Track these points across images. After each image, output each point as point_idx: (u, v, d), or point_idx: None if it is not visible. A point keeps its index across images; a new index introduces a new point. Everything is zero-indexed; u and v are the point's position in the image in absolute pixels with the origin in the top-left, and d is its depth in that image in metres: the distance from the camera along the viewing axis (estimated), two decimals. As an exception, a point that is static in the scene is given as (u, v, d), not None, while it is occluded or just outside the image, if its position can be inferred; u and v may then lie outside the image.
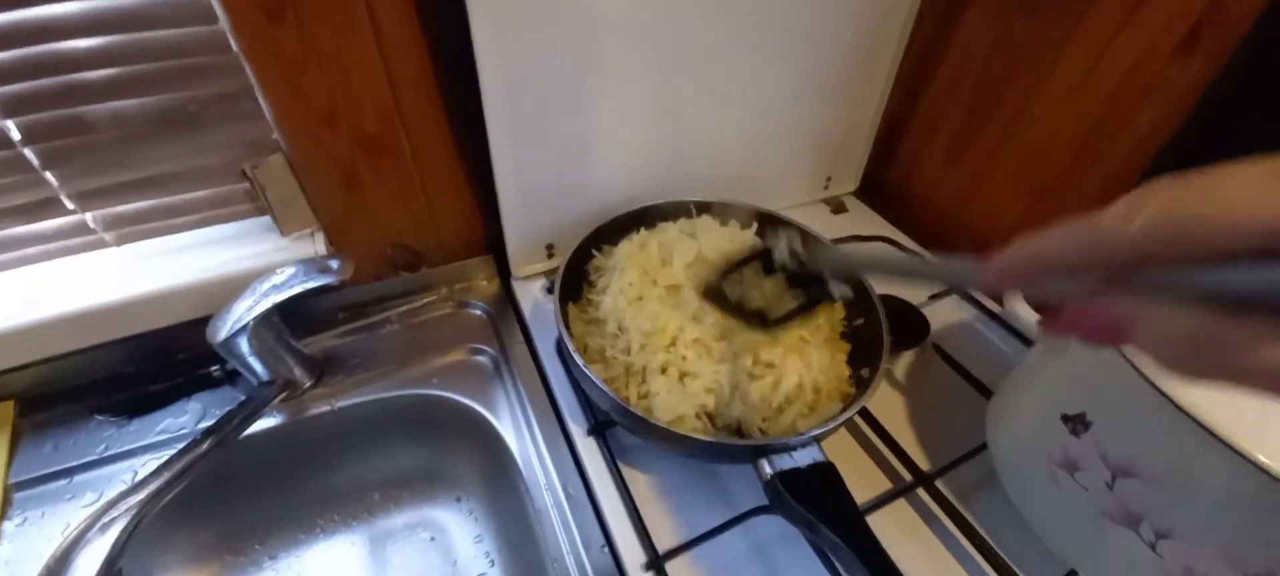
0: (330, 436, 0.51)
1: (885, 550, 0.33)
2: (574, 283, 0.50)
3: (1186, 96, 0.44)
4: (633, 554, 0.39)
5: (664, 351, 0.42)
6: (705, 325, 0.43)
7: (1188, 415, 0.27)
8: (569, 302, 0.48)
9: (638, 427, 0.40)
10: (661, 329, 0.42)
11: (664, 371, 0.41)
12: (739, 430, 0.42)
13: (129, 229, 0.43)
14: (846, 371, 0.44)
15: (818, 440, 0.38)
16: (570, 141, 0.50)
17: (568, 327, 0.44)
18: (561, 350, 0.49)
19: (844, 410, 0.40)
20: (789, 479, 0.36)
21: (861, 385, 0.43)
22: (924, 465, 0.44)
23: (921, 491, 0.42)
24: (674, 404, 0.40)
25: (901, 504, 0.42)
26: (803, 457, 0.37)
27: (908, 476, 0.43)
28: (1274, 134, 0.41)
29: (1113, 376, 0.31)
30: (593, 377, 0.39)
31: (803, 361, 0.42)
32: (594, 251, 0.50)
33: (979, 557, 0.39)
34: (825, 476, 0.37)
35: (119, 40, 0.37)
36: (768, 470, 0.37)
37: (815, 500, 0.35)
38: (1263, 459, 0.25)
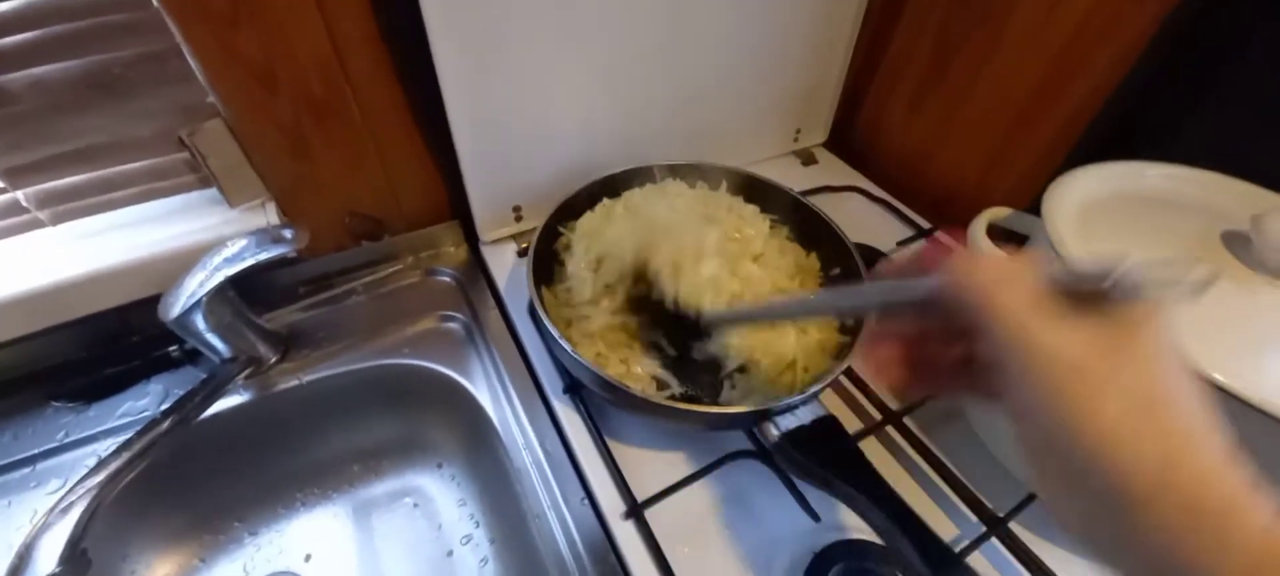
0: (302, 411, 0.50)
1: (901, 497, 0.33)
2: (545, 265, 0.47)
3: (1143, 36, 0.44)
4: (612, 503, 0.39)
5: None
6: None
7: None
8: (543, 287, 0.45)
9: (646, 410, 0.39)
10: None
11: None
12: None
13: (65, 206, 0.41)
14: (834, 322, 0.45)
15: (816, 396, 0.38)
16: (531, 98, 0.48)
17: (547, 313, 0.40)
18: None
19: (838, 362, 0.39)
20: (796, 437, 0.37)
21: (846, 332, 0.43)
22: (893, 404, 0.45)
23: (890, 428, 0.44)
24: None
25: (871, 441, 0.43)
26: (805, 414, 0.38)
27: (877, 415, 0.44)
28: (1229, 71, 0.41)
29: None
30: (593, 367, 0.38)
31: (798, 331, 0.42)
32: (561, 229, 0.48)
33: (945, 487, 0.41)
34: (829, 429, 0.38)
35: (31, 2, 0.34)
36: (774, 432, 0.37)
37: (824, 454, 0.36)
38: (1222, 379, 0.26)
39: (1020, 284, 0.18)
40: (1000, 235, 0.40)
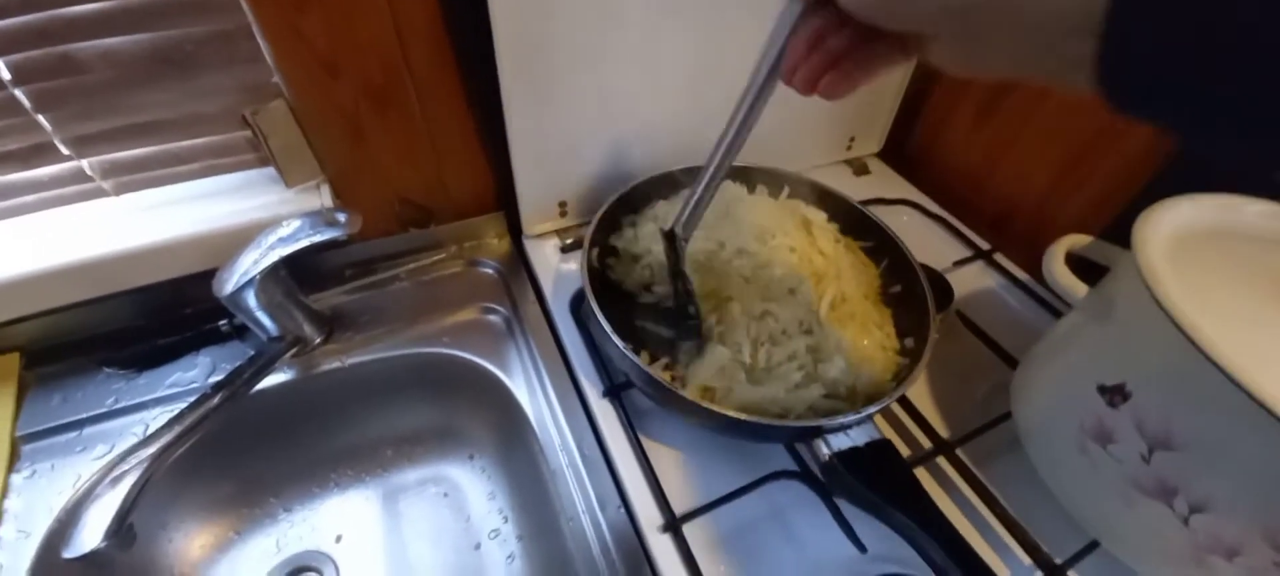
0: (342, 393, 0.50)
1: (961, 535, 0.32)
2: (599, 257, 0.47)
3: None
4: (649, 515, 0.38)
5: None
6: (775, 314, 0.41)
7: (1237, 385, 0.26)
8: (595, 280, 0.45)
9: (696, 415, 0.38)
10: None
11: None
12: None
13: (128, 177, 0.42)
14: (895, 342, 0.43)
15: (872, 417, 0.37)
16: (586, 96, 0.47)
17: (599, 308, 0.40)
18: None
19: (898, 385, 0.38)
20: (849, 459, 0.35)
21: (907, 354, 0.42)
22: (944, 433, 0.43)
23: (942, 459, 0.42)
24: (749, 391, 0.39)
25: (921, 471, 0.42)
26: (859, 436, 0.36)
27: (928, 443, 0.42)
28: None
29: (1159, 346, 0.30)
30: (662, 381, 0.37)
31: (856, 345, 0.41)
32: (620, 221, 0.48)
33: (999, 526, 0.39)
34: (884, 454, 0.36)
35: (107, -28, 0.34)
36: (825, 451, 0.36)
37: (878, 480, 0.35)
38: None
39: None
40: (1079, 265, 0.37)
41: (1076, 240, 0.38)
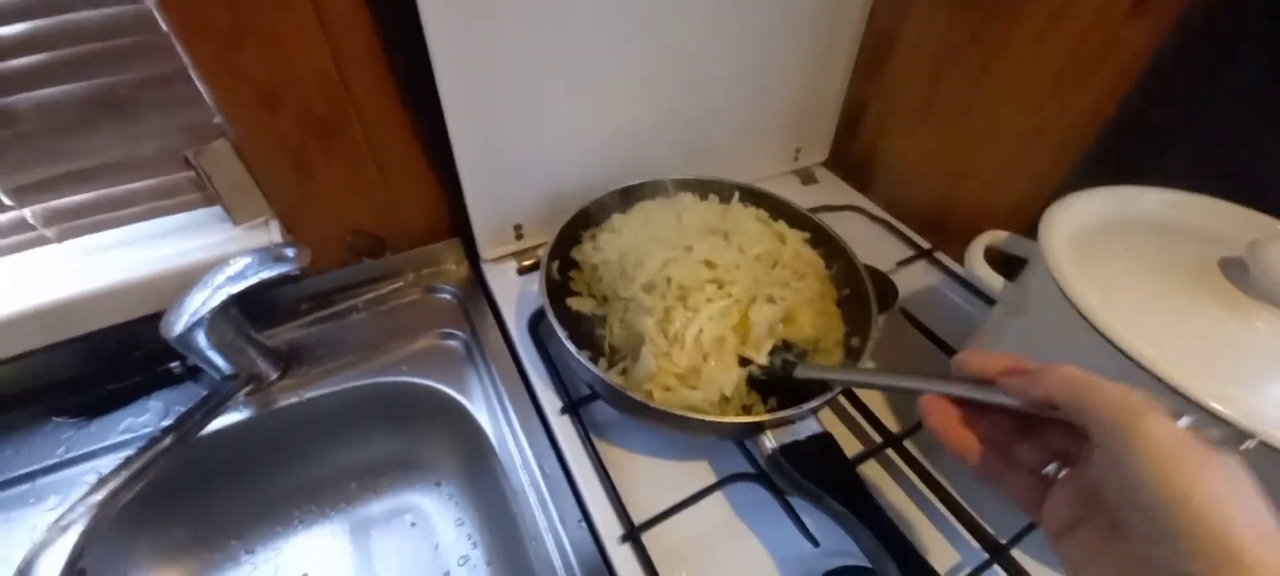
0: (301, 428, 0.50)
1: (890, 518, 0.34)
2: (559, 273, 0.48)
3: (1138, 59, 0.44)
4: (609, 527, 0.39)
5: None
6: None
7: (1145, 369, 0.28)
8: (555, 294, 0.46)
9: (650, 417, 0.39)
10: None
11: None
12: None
13: (70, 223, 0.42)
14: (842, 342, 0.45)
15: (814, 412, 0.38)
16: (533, 117, 0.48)
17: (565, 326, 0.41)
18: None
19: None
20: (791, 452, 0.37)
21: (851, 354, 0.44)
22: (893, 426, 0.45)
23: (891, 451, 0.43)
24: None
25: (872, 464, 0.43)
26: (802, 430, 0.38)
27: (877, 438, 0.44)
28: (1218, 92, 0.42)
29: (1070, 334, 0.32)
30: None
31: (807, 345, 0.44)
32: (579, 235, 0.49)
33: (946, 511, 0.40)
34: (825, 447, 0.38)
35: (41, 25, 0.34)
36: (769, 444, 0.37)
37: (818, 471, 0.36)
38: (1217, 407, 0.26)
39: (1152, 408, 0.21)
40: (997, 259, 0.40)
41: (995, 236, 0.40)
